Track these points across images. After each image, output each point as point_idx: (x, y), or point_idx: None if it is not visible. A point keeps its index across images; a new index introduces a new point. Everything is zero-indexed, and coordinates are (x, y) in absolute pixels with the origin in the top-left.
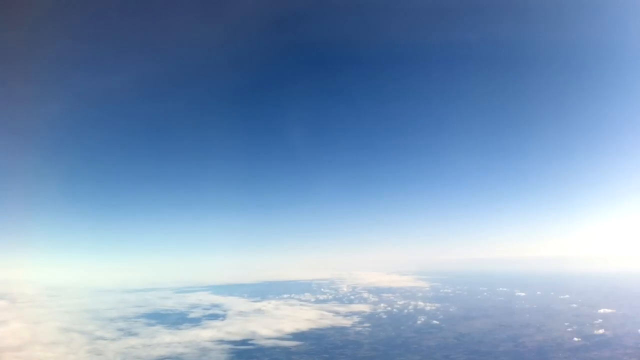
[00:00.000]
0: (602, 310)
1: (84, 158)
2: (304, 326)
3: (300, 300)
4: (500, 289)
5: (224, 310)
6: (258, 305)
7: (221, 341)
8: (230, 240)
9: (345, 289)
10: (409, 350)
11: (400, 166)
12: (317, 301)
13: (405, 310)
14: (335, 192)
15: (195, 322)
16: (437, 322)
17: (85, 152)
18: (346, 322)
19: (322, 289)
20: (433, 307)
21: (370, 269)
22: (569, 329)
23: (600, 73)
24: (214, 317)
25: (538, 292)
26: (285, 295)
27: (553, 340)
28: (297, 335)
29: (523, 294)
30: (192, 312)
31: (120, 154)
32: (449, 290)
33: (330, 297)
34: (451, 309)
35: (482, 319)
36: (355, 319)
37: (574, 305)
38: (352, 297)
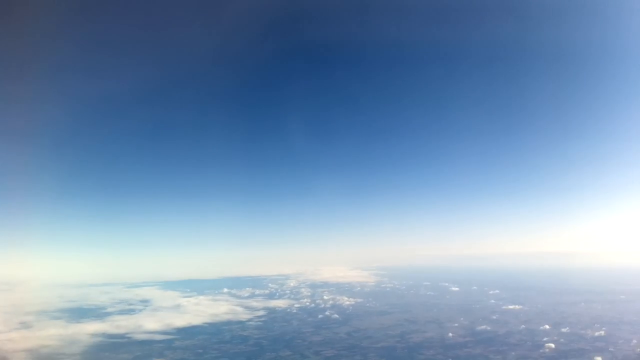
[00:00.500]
0: (511, 307)
1: (82, 158)
2: (200, 320)
3: (232, 295)
4: (442, 284)
5: (146, 305)
6: (184, 300)
7: (102, 334)
8: (212, 236)
9: (291, 284)
10: (288, 346)
11: (385, 164)
12: (251, 296)
13: (323, 305)
14: (317, 189)
15: (103, 316)
16: (338, 317)
17: (82, 152)
18: (247, 317)
19: (270, 285)
20: (352, 302)
21: (338, 264)
22: (456, 324)
23: (601, 72)
24: (129, 311)
25: (474, 288)
26: (225, 290)
27: (439, 336)
28: (184, 330)
29: (457, 289)
30: (115, 306)
31: (111, 154)
32: (391, 285)
33: (267, 292)
34: (369, 304)
35: (394, 314)
36: (262, 313)
37: (493, 301)
38: (288, 292)
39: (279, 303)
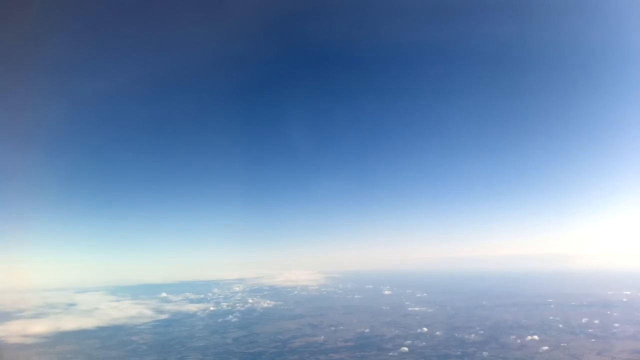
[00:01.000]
0: (417, 309)
1: (78, 159)
2: (94, 324)
3: (162, 299)
4: (380, 287)
5: (65, 309)
6: (107, 304)
7: None
8: (197, 239)
9: (236, 289)
10: (162, 351)
11: (372, 168)
12: (183, 300)
13: (239, 308)
14: (303, 195)
15: (7, 320)
16: (237, 321)
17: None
18: (146, 320)
19: (215, 289)
20: (271, 305)
21: (305, 268)
22: (342, 327)
23: (601, 73)
24: (39, 315)
25: (408, 291)
26: (162, 295)
27: (321, 341)
28: (71, 333)
29: (389, 292)
30: (34, 310)
31: (105, 155)
32: (331, 289)
33: (201, 296)
34: (287, 308)
35: (304, 318)
36: (165, 316)
37: (407, 302)
38: (222, 296)
39: (193, 307)
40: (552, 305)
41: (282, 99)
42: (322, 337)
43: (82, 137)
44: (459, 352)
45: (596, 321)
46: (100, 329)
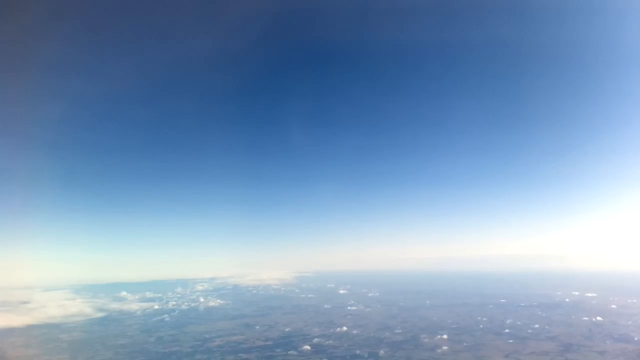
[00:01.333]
0: (355, 308)
1: (78, 159)
2: (26, 322)
3: (116, 298)
4: (338, 286)
5: (13, 307)
6: (57, 302)
7: None
8: (191, 238)
9: (199, 288)
10: (81, 349)
11: (367, 169)
12: (139, 299)
13: (184, 306)
14: (294, 195)
15: None
16: (170, 320)
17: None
18: (81, 319)
19: (178, 288)
20: (217, 304)
21: (283, 268)
22: (264, 326)
23: (601, 73)
24: None
25: (363, 290)
26: (122, 293)
27: (241, 340)
28: None
29: (344, 292)
30: None
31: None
32: (290, 289)
33: (159, 295)
34: (234, 307)
35: (245, 318)
36: (102, 315)
37: (352, 301)
38: (179, 295)
39: (135, 306)
40: (491, 306)
41: (261, 97)
42: (242, 337)
43: (78, 137)
44: (357, 351)
45: (519, 322)
46: (31, 327)
